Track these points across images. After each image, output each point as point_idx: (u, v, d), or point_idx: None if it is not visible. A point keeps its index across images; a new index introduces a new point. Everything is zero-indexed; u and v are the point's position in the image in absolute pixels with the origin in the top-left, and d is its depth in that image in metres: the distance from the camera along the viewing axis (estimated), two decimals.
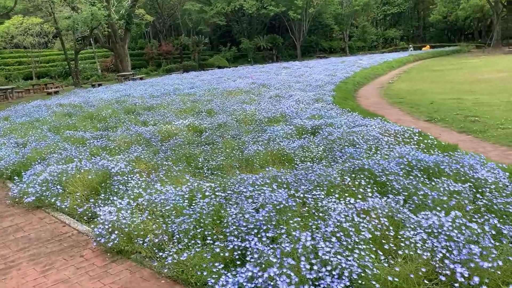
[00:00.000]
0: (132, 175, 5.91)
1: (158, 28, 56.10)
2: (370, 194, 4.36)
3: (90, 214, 5.34)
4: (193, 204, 4.44)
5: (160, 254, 3.71)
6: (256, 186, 4.70)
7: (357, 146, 6.47)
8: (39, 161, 7.53)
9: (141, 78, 35.30)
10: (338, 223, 3.60)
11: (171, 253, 3.68)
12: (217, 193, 4.69)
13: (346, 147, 6.52)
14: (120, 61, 39.20)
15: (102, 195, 5.62)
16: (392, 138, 6.87)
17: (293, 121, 9.70)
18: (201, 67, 45.96)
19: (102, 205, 5.35)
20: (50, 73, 40.68)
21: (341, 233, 3.40)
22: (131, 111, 13.45)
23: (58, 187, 5.85)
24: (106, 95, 19.29)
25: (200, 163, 6.76)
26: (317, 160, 6.32)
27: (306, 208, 4.07)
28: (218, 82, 22.34)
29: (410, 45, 60.91)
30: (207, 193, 4.69)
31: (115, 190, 5.65)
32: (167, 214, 4.36)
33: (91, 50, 46.57)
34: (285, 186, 4.76)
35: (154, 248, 3.96)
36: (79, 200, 5.68)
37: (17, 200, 6.02)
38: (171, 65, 46.85)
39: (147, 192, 4.98)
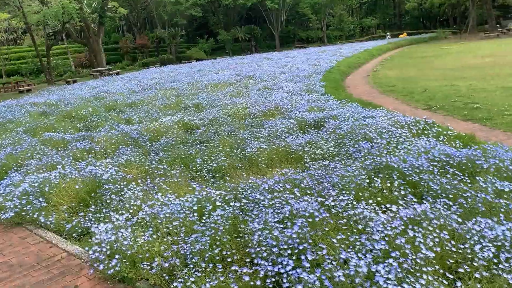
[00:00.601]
0: (125, 183, 5.22)
1: (132, 22, 54.56)
2: (408, 199, 3.80)
3: (80, 230, 4.65)
4: (204, 218, 3.81)
5: (175, 284, 3.06)
6: (275, 193, 4.09)
7: (372, 140, 5.92)
8: (15, 168, 6.74)
9: (117, 73, 34.17)
10: (387, 238, 3.03)
11: (188, 283, 3.04)
12: (230, 203, 4.06)
13: (359, 142, 5.96)
14: (95, 56, 37.86)
15: (93, 207, 4.92)
16: (405, 130, 6.34)
17: (290, 114, 9.11)
18: (179, 60, 44.90)
19: (93, 220, 4.66)
20: (21, 71, 39.07)
21: (396, 252, 2.82)
22: (112, 108, 12.64)
23: (41, 199, 5.11)
24: (83, 92, 18.35)
25: (198, 165, 6.11)
26: (329, 158, 5.74)
27: (344, 220, 3.47)
28: (200, 75, 21.57)
29: (388, 33, 60.94)
30: (217, 203, 4.06)
31: (107, 201, 4.96)
32: (175, 231, 3.71)
33: (63, 46, 44.92)
34: (308, 191, 4.15)
35: (164, 274, 3.32)
36: (66, 214, 4.97)
37: None
38: (147, 58, 45.62)
39: (147, 204, 4.31)
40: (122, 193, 5.09)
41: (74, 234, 4.61)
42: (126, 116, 10.80)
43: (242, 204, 3.97)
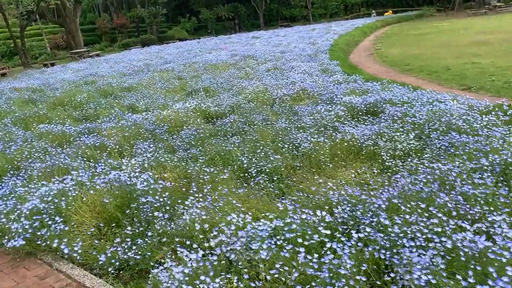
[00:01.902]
0: (167, 193, 4.02)
1: (109, 0, 51.96)
2: None
3: (118, 263, 3.46)
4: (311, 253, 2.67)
5: None
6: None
7: (462, 131, 4.84)
8: (11, 172, 5.44)
9: (97, 55, 32.28)
10: None
11: None
12: (337, 229, 2.92)
13: (445, 133, 4.88)
14: (72, 37, 35.68)
15: (129, 228, 3.72)
16: (492, 117, 5.28)
17: (322, 98, 7.97)
18: (161, 41, 42.90)
19: (134, 248, 3.48)
20: None
21: None
22: (108, 93, 11.24)
23: (57, 218, 3.87)
24: (68, 76, 16.79)
25: (244, 164, 4.93)
26: (415, 154, 4.65)
27: None
28: (192, 56, 20.12)
29: (373, 11, 59.90)
30: (321, 229, 2.92)
31: (147, 218, 3.77)
32: (283, 280, 2.55)
33: (37, 27, 42.35)
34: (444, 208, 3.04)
35: None
36: (95, 240, 3.76)
37: None
38: (127, 39, 43.48)
39: (226, 233, 3.12)
40: (166, 207, 3.90)
41: (110, 269, 3.42)
42: (129, 103, 9.47)
43: (365, 234, 2.82)
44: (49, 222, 3.80)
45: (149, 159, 5.14)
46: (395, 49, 20.12)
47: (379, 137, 5.06)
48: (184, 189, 4.20)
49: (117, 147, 6.07)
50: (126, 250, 3.48)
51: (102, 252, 3.53)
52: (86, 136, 6.65)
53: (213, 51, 22.20)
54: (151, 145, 5.99)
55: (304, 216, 3.01)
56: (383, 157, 4.65)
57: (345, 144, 5.08)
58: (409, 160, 4.46)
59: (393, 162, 4.51)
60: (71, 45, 35.66)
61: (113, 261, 3.44)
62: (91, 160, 5.53)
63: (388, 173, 4.33)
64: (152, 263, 3.37)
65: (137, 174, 4.51)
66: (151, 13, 44.72)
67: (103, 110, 9.08)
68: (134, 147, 6.04)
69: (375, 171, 4.49)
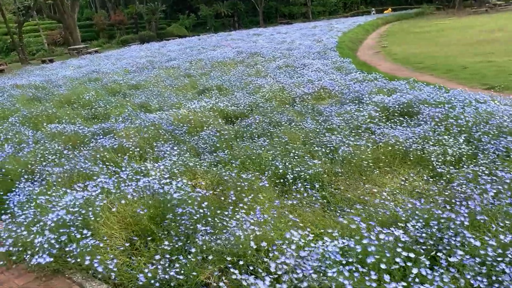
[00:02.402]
0: (205, 203, 3.65)
1: None
2: None
3: (157, 284, 3.08)
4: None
5: None
6: None
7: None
8: (25, 177, 5.04)
9: (96, 51, 31.77)
10: None
11: None
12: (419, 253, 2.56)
13: (495, 137, 4.54)
14: (70, 33, 35.12)
15: (166, 243, 3.35)
16: None
17: (345, 97, 7.61)
18: (160, 37, 42.36)
19: (176, 266, 3.11)
20: None
21: None
22: (116, 91, 10.83)
23: (85, 231, 3.49)
24: (69, 73, 16.32)
25: (279, 170, 4.56)
26: (468, 160, 4.30)
27: None
28: (197, 53, 19.70)
29: (372, 9, 59.66)
30: (399, 251, 2.56)
31: (186, 231, 3.41)
32: None
33: (34, 22, 41.69)
34: None
35: None
36: (129, 257, 3.38)
37: (15, 259, 3.60)
38: (126, 36, 42.92)
39: (287, 253, 2.75)
40: (207, 218, 3.53)
41: None
42: (140, 101, 9.07)
43: (458, 258, 2.46)
44: (77, 236, 3.42)
45: (176, 164, 4.76)
46: (402, 46, 19.81)
47: (425, 140, 4.71)
48: (222, 198, 3.83)
49: (138, 149, 5.68)
50: (167, 269, 3.12)
51: (139, 271, 3.16)
52: (101, 137, 6.25)
53: (216, 48, 21.77)
54: (174, 148, 5.61)
55: (382, 236, 2.64)
56: (433, 163, 4.29)
57: (389, 148, 4.72)
58: (463, 166, 4.12)
59: (445, 169, 4.16)
60: (69, 41, 35.10)
61: (152, 281, 3.07)
62: (111, 164, 5.14)
63: (442, 181, 3.98)
64: (197, 285, 3.01)
65: (167, 180, 4.13)
66: (150, 9, 44.17)
67: (113, 108, 8.68)
68: (156, 149, 5.65)
69: (426, 178, 4.14)
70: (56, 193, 4.15)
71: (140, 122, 6.93)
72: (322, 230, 3.12)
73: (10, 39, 30.83)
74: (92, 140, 6.15)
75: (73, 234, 3.43)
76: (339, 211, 3.68)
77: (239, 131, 6.14)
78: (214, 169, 4.62)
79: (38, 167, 5.21)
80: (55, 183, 4.52)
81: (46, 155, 5.52)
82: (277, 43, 21.87)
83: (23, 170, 5.14)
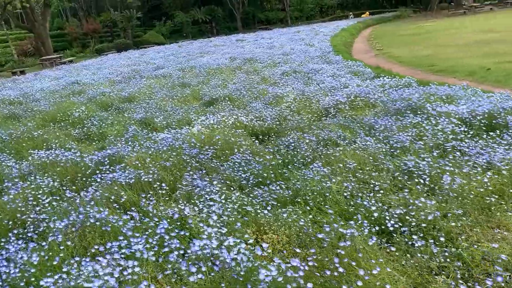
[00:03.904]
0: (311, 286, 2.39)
1: (79, 4, 49.27)
2: None
3: None
4: None
5: None
6: None
7: None
8: (14, 232, 3.66)
9: (70, 61, 30.04)
10: None
11: None
12: None
13: None
14: (42, 43, 33.19)
15: None
16: None
17: (389, 106, 6.48)
18: (136, 45, 40.76)
19: None
20: None
21: None
22: (107, 105, 9.43)
23: None
24: (47, 85, 14.75)
25: (373, 214, 3.34)
26: None
27: None
28: (185, 60, 18.34)
29: (350, 13, 59.45)
30: None
31: None
32: None
33: (2, 32, 39.46)
34: None
35: None
36: None
37: None
38: (100, 44, 41.09)
39: None
40: None
41: None
42: (140, 117, 7.70)
43: None
44: None
45: (225, 207, 3.48)
46: (400, 49, 18.88)
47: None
48: (328, 273, 2.57)
49: (159, 183, 4.37)
50: None
51: None
52: (107, 167, 4.89)
53: (204, 54, 20.50)
54: (204, 179, 4.33)
55: None
56: None
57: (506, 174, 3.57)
58: None
59: None
60: (41, 52, 33.12)
61: None
62: (133, 208, 3.82)
63: None
64: None
65: (229, 241, 2.85)
66: (125, 16, 42.45)
67: (109, 126, 7.32)
68: (184, 181, 4.35)
69: None
70: (67, 267, 2.81)
71: (150, 144, 5.60)
72: None
73: None
74: (97, 172, 4.79)
75: None
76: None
77: (284, 153, 4.88)
78: (284, 215, 3.35)
79: (32, 216, 3.83)
80: (61, 246, 3.16)
81: (40, 196, 4.14)
82: (267, 48, 20.78)
83: (11, 222, 3.76)
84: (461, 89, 6.57)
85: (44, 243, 3.22)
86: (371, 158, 4.48)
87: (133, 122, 7.54)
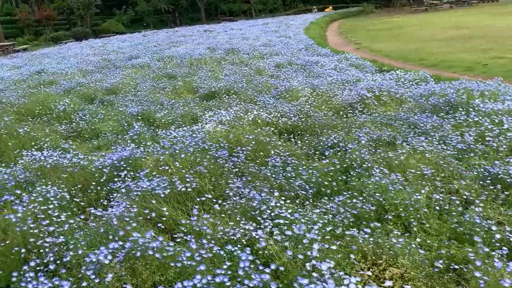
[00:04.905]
0: None
1: None
2: None
3: None
4: None
5: None
6: None
7: None
8: (29, 264, 2.79)
9: (25, 50, 28.05)
10: None
11: None
12: None
13: None
14: None
15: None
16: None
17: (423, 102, 5.94)
18: (95, 34, 38.78)
19: None
20: None
21: None
22: (90, 98, 8.41)
23: None
24: (7, 74, 13.35)
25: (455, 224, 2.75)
26: None
27: None
28: (159, 50, 17.22)
29: (314, 7, 59.48)
30: None
31: None
32: None
33: None
34: None
35: None
36: None
37: None
38: (57, 32, 38.74)
39: None
40: None
41: None
42: (137, 111, 6.78)
43: None
44: None
45: (310, 232, 2.77)
46: (380, 44, 18.50)
47: None
48: None
49: (197, 193, 3.59)
50: None
51: None
52: (124, 172, 4.03)
53: (177, 44, 19.46)
54: (248, 186, 3.60)
55: None
56: None
57: None
58: None
59: None
60: None
61: None
62: (183, 229, 3.03)
63: None
64: None
65: (350, 283, 2.14)
66: (83, 3, 40.19)
67: (102, 122, 6.38)
68: (228, 191, 3.59)
69: None
70: None
71: (165, 144, 4.77)
72: None
73: None
74: (116, 179, 3.92)
75: None
76: None
77: (339, 158, 4.20)
78: (393, 240, 2.68)
79: (48, 240, 2.96)
80: None
81: (50, 212, 3.26)
82: (242, 39, 19.95)
83: (24, 250, 2.88)
84: (496, 85, 6.12)
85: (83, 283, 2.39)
86: (442, 162, 3.89)
87: (128, 117, 6.62)
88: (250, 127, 5.30)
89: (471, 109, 5.11)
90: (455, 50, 14.06)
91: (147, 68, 12.26)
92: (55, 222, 3.19)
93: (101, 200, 3.78)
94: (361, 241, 2.67)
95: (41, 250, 2.90)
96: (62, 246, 2.98)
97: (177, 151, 4.33)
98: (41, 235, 3.04)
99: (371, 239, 2.71)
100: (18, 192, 3.53)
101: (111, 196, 3.81)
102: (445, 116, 5.19)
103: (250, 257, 2.44)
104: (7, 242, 2.91)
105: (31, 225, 3.02)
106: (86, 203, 3.75)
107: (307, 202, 3.53)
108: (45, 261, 2.81)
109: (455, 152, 4.19)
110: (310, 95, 6.77)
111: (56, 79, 10.90)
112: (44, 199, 3.45)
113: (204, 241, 2.73)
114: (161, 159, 4.17)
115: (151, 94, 8.30)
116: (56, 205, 3.45)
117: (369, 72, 9.10)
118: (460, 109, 5.25)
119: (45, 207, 3.34)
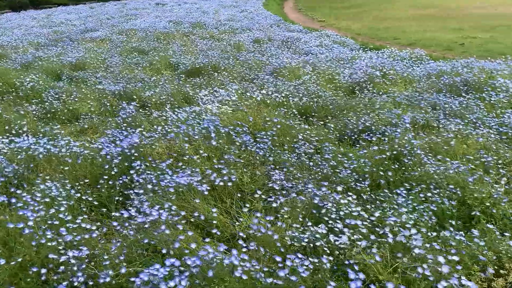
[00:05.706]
0: None
1: None
2: None
3: None
4: None
5: None
6: None
7: None
8: None
9: None
10: None
11: None
12: None
13: None
14: None
15: None
16: None
17: (435, 82, 5.63)
18: (34, 5, 35.89)
19: None
20: None
21: None
22: (56, 73, 7.44)
23: None
24: None
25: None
26: None
27: None
28: (116, 23, 15.91)
29: None
30: None
31: None
32: None
33: None
34: None
35: None
36: None
37: None
38: None
39: None
40: None
41: None
42: (117, 89, 5.98)
43: None
44: None
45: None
46: (345, 22, 18.04)
47: None
48: None
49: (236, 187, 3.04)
50: None
51: None
52: (137, 163, 3.36)
53: (133, 17, 18.20)
54: (288, 179, 3.10)
55: None
56: None
57: None
58: None
59: None
60: None
61: None
62: (242, 235, 2.48)
63: None
64: None
65: None
66: None
67: (79, 102, 5.56)
68: (273, 185, 3.06)
69: None
70: None
71: (169, 127, 4.12)
72: None
73: None
74: (131, 171, 3.25)
75: None
76: None
77: (387, 143, 3.75)
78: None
79: (72, 254, 2.31)
80: None
81: (62, 217, 2.59)
82: (202, 13, 19.04)
83: (44, 270, 2.21)
84: (503, 64, 5.92)
85: None
86: (494, 147, 3.55)
87: (109, 95, 5.82)
88: (265, 108, 4.74)
89: (495, 89, 4.83)
90: (427, 29, 13.99)
91: (109, 42, 11.19)
92: (72, 229, 2.53)
93: (115, 197, 3.12)
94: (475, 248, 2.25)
95: (66, 268, 2.24)
96: (87, 261, 2.35)
97: (196, 137, 3.70)
98: (59, 247, 2.38)
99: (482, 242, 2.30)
100: (19, 192, 2.78)
101: (125, 193, 3.15)
102: (468, 96, 4.89)
103: (361, 275, 1.94)
104: (19, 260, 2.23)
105: (48, 236, 2.34)
106: (97, 201, 3.08)
107: (364, 196, 3.07)
108: (75, 284, 2.17)
109: (498, 136, 3.88)
110: (312, 73, 6.27)
111: (6, 52, 9.65)
112: (51, 199, 2.75)
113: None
114: (176, 143, 3.53)
115: (125, 70, 7.46)
116: (65, 206, 2.77)
117: (355, 50, 8.72)
118: (488, 88, 4.95)
119: (51, 210, 2.65)
